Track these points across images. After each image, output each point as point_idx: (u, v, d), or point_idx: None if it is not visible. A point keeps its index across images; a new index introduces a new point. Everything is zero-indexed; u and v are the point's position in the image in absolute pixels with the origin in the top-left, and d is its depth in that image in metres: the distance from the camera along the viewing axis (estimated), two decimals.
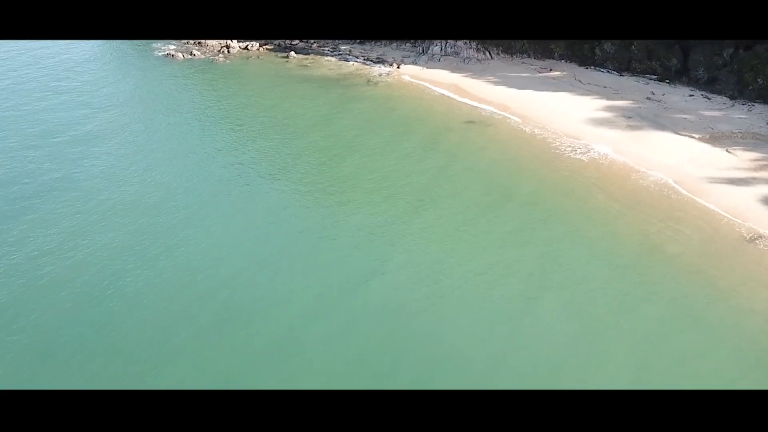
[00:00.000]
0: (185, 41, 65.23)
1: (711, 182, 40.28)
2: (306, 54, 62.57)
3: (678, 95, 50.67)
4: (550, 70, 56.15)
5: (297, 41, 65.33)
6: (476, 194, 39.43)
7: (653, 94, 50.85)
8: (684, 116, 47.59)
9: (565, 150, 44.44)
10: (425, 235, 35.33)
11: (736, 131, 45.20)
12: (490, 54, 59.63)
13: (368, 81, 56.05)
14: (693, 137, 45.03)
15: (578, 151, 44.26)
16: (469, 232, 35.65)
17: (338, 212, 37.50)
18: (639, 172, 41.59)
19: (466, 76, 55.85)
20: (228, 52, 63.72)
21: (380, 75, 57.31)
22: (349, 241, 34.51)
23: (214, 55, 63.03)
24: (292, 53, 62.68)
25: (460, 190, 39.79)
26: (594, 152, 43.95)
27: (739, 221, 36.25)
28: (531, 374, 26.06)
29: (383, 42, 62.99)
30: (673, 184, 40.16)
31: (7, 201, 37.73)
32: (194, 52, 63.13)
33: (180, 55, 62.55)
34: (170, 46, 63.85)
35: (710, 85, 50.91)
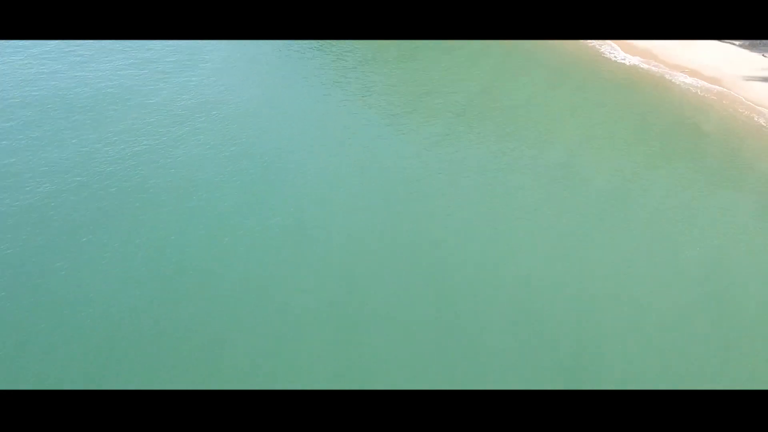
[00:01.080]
0: None
1: (745, 79, 44.27)
2: None
3: None
4: None
5: None
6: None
7: None
8: None
9: (610, 55, 48.71)
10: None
11: None
12: None
13: None
14: (734, 44, 48.57)
15: (619, 57, 48.46)
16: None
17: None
18: (681, 70, 45.89)
19: None
20: None
21: None
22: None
23: None
24: None
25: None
26: (639, 57, 48.16)
27: (761, 108, 40.66)
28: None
29: None
30: (708, 81, 44.46)
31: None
32: None
33: None
34: None
35: None
